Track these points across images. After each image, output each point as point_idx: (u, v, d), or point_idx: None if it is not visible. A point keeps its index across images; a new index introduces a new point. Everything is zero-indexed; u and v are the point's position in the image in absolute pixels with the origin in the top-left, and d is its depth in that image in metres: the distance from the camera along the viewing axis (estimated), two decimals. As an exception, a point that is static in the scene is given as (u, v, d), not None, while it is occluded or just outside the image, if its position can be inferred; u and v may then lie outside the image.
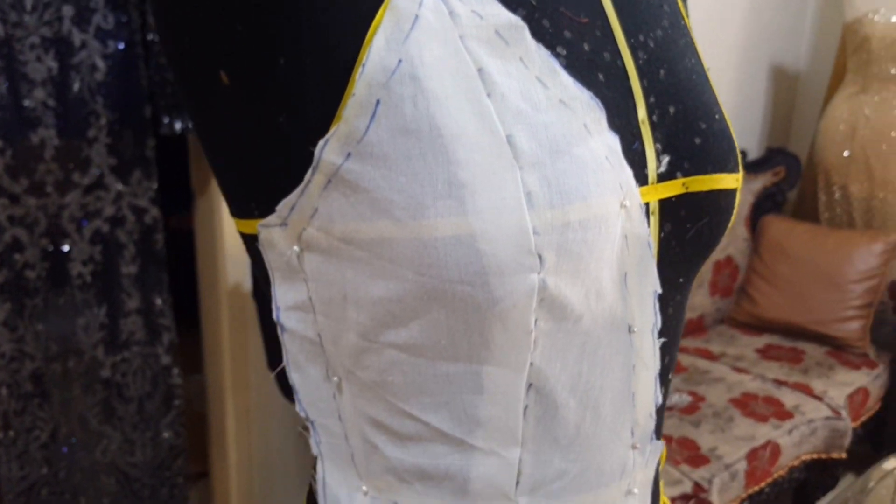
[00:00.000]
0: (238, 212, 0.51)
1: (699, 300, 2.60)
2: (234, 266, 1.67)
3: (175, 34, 0.48)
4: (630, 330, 0.51)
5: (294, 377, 0.55)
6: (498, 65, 0.43)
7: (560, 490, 0.54)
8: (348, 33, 0.43)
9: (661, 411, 0.59)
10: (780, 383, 2.29)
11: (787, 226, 2.70)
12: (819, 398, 2.23)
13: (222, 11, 0.44)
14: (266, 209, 0.48)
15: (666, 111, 0.52)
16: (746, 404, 2.16)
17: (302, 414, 0.55)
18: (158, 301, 1.60)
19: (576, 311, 0.47)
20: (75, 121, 1.41)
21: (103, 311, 1.54)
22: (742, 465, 1.94)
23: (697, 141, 0.53)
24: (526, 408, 0.50)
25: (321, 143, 0.44)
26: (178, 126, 1.45)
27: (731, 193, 0.56)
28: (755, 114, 3.01)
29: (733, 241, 2.66)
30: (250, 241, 0.52)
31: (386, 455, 0.53)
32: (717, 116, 0.56)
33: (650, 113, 0.51)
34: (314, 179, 0.45)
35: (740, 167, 0.57)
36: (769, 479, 2.06)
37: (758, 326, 2.65)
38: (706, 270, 2.57)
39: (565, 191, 0.44)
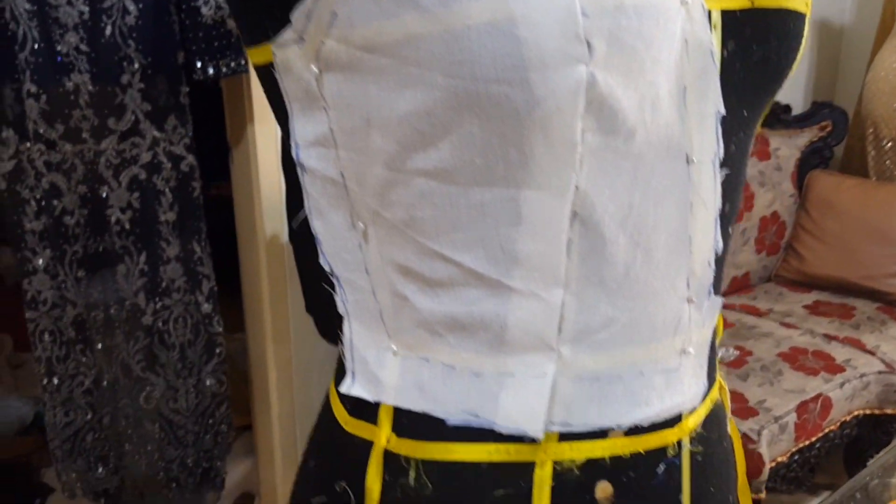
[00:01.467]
0: (251, 37, 0.49)
1: (745, 257, 2.55)
2: (271, 218, 1.67)
3: None
4: (688, 160, 0.47)
5: (317, 225, 0.52)
6: None
7: (607, 341, 0.50)
8: None
9: (720, 262, 0.54)
10: (830, 338, 2.22)
11: (834, 180, 2.62)
12: (871, 353, 2.16)
13: None
14: (280, 24, 0.45)
15: None
16: (795, 358, 2.10)
17: (326, 268, 0.53)
18: (197, 249, 1.60)
19: (628, 121, 0.43)
20: (108, 66, 1.41)
21: (143, 259, 1.54)
22: (792, 418, 1.88)
23: None
24: (570, 242, 0.46)
25: None
26: (210, 71, 1.45)
27: (801, 17, 0.52)
28: (800, 68, 2.93)
29: (779, 196, 2.59)
30: (266, 75, 0.50)
31: (416, 307, 0.50)
32: None
33: None
34: None
35: None
36: (820, 434, 2.00)
37: (806, 283, 2.58)
38: (752, 226, 2.52)
39: None
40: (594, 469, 0.51)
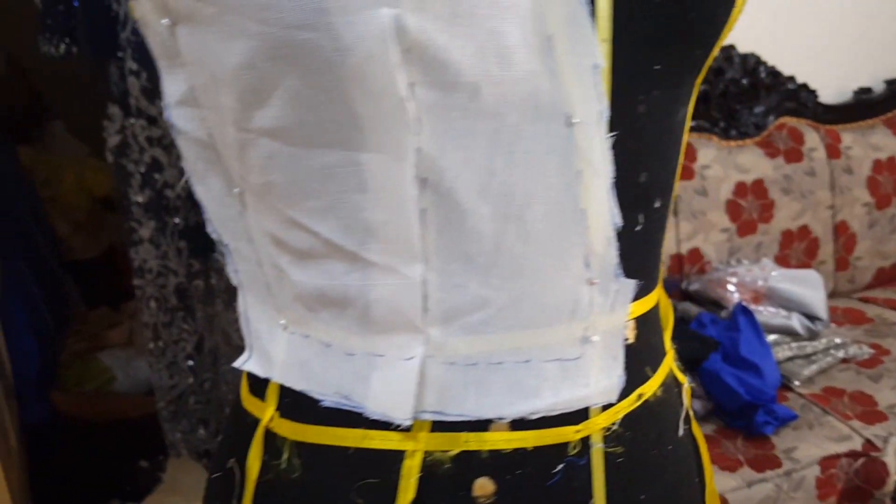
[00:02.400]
0: None
1: (894, 246, 2.33)
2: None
3: None
4: (568, 122, 0.41)
5: (198, 190, 0.50)
6: None
7: (482, 323, 0.45)
8: None
9: (650, 241, 0.48)
10: (983, 340, 2.00)
11: None
12: None
13: None
14: None
15: None
16: (940, 360, 1.91)
17: (214, 236, 0.51)
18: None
19: (464, 74, 0.38)
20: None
21: (240, 231, 1.58)
22: (926, 426, 1.72)
23: None
24: (423, 212, 0.42)
25: None
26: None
27: None
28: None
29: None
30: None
31: (291, 279, 0.48)
32: None
33: None
34: None
35: None
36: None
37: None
38: (903, 214, 2.30)
39: None
40: (469, 463, 0.47)
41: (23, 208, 2.37)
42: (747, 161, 2.18)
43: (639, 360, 0.52)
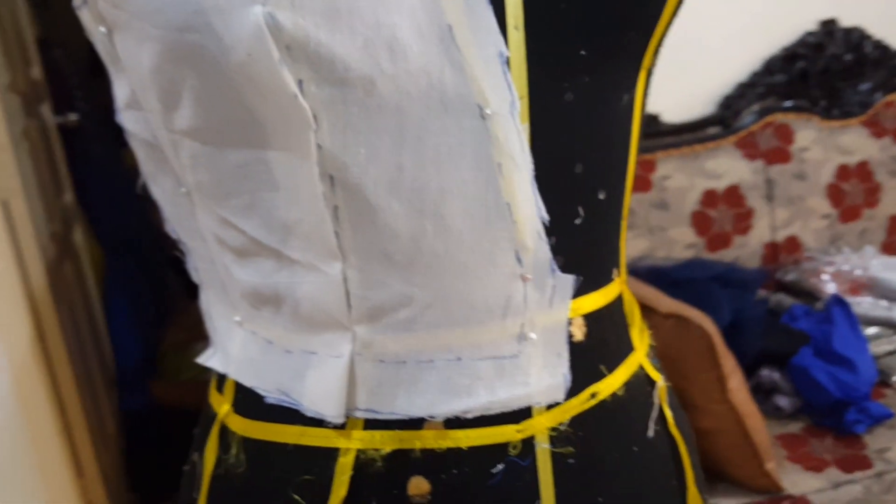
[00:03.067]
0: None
1: None
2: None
3: None
4: (482, 113, 0.39)
5: (154, 190, 0.51)
6: None
7: (409, 321, 0.44)
8: None
9: (587, 238, 0.45)
10: None
11: None
12: None
13: None
14: None
15: None
16: None
17: (173, 235, 0.52)
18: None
19: (353, 69, 0.37)
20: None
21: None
22: None
23: None
24: (336, 209, 0.41)
25: None
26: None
27: None
28: None
29: None
30: None
31: (235, 276, 0.48)
32: None
33: None
34: None
35: None
36: None
37: None
38: None
39: None
40: (403, 462, 0.46)
41: (128, 205, 2.48)
42: (851, 142, 2.04)
43: (590, 358, 0.49)
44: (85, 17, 0.44)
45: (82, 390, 1.81)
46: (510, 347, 0.45)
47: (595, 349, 0.49)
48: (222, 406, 0.52)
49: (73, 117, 2.15)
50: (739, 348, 1.66)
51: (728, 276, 1.85)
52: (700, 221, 1.92)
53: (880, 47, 2.08)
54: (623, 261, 0.52)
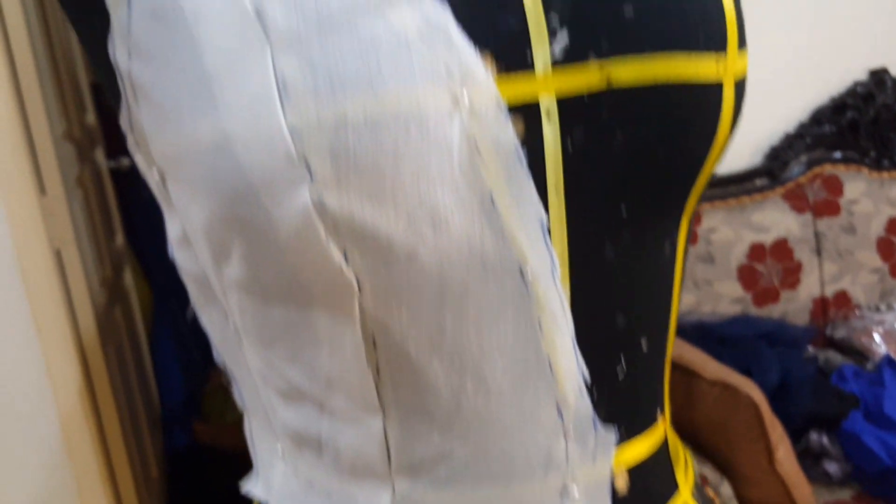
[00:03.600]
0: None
1: None
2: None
3: None
4: (523, 274, 0.39)
5: (203, 320, 0.51)
6: None
7: (449, 477, 0.44)
8: None
9: (630, 388, 0.45)
10: None
11: None
12: None
13: None
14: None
15: None
16: None
17: (219, 362, 0.52)
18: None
19: (396, 242, 0.37)
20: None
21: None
22: None
23: (628, 11, 0.39)
24: (377, 366, 0.41)
25: (109, 46, 0.40)
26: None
27: (701, 90, 0.41)
28: None
29: None
30: None
31: (280, 414, 0.48)
32: None
33: None
34: (125, 89, 0.40)
35: (730, 46, 0.41)
36: None
37: None
38: None
39: (339, 76, 0.34)
40: None
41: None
42: (903, 195, 2.01)
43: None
44: (139, 160, 0.45)
45: (127, 435, 1.83)
46: (552, 503, 0.45)
47: (639, 499, 0.48)
48: None
49: (125, 161, 2.19)
50: (787, 410, 1.63)
51: (776, 334, 1.82)
52: (747, 275, 1.89)
53: (933, 97, 2.04)
54: (667, 398, 0.51)
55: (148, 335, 2.36)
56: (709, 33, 0.41)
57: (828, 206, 1.96)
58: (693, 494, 0.53)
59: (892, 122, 2.01)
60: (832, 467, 1.59)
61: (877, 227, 1.99)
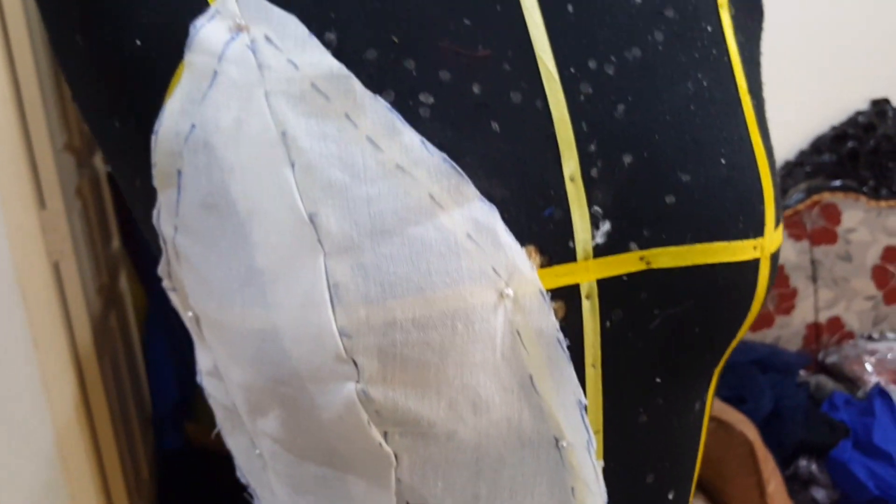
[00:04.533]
0: None
1: None
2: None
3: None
4: (557, 444, 0.40)
5: (228, 442, 0.51)
6: (310, 126, 0.35)
7: None
8: (154, 98, 0.38)
9: None
10: None
11: None
12: None
13: (78, 81, 0.42)
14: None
15: (616, 162, 0.40)
16: None
17: (242, 481, 0.52)
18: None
19: (437, 425, 0.38)
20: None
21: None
22: None
23: (670, 200, 0.40)
24: None
25: (154, 212, 0.40)
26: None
27: (740, 268, 0.42)
28: None
29: None
30: None
31: None
32: (722, 162, 0.42)
33: (586, 166, 0.40)
34: (168, 250, 0.41)
35: (768, 228, 0.42)
36: None
37: None
38: None
39: (389, 281, 0.35)
40: None
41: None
42: (898, 223, 2.02)
43: None
44: (174, 298, 0.45)
45: (120, 440, 1.84)
46: None
47: None
48: None
49: (122, 164, 2.18)
50: (778, 437, 1.65)
51: (769, 360, 1.84)
52: (742, 300, 1.90)
53: (932, 127, 2.06)
54: None
55: (141, 337, 2.35)
56: (748, 221, 0.42)
57: (825, 235, 1.97)
58: None
59: (891, 152, 2.02)
60: (820, 494, 1.61)
61: (873, 256, 2.00)
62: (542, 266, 0.38)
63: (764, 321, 1.93)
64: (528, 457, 0.40)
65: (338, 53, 0.36)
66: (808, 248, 1.96)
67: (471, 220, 0.36)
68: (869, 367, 1.82)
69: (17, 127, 1.46)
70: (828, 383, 1.87)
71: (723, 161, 0.42)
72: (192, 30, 0.36)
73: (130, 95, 0.39)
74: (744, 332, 0.45)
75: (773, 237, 0.43)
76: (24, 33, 1.51)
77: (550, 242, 0.39)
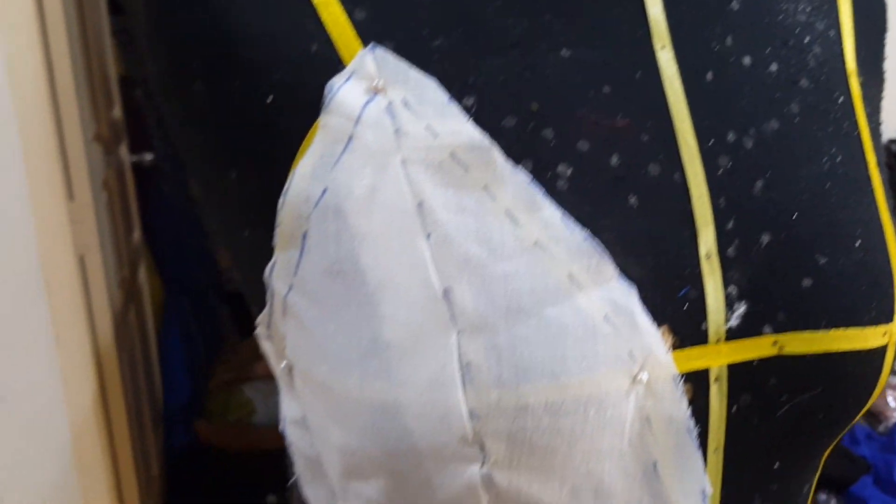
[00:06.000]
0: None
1: None
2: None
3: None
4: None
5: (307, 492, 0.50)
6: (448, 197, 0.34)
7: None
8: (283, 158, 0.37)
9: None
10: None
11: None
12: None
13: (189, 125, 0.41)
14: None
15: (754, 241, 0.39)
16: None
17: None
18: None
19: None
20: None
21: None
22: None
23: (807, 283, 0.39)
24: None
25: (268, 268, 0.39)
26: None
27: (867, 355, 0.41)
28: None
29: None
30: None
31: None
32: (857, 244, 0.40)
33: (723, 244, 0.39)
34: (274, 304, 0.40)
35: None
36: None
37: None
38: None
39: (524, 365, 0.34)
40: None
41: (193, 244, 2.50)
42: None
43: None
44: (267, 347, 0.44)
45: (134, 437, 1.83)
46: None
47: None
48: None
49: (148, 157, 2.17)
50: (798, 471, 1.64)
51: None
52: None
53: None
54: None
55: (157, 331, 2.35)
56: (879, 306, 0.41)
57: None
58: None
59: None
60: (839, 533, 1.60)
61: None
62: (674, 348, 0.37)
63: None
64: None
65: (476, 120, 0.35)
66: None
67: (609, 302, 0.35)
68: (892, 401, 1.80)
69: (50, 117, 1.45)
70: (848, 415, 1.86)
71: (857, 244, 0.41)
72: (328, 90, 0.35)
73: (253, 150, 0.38)
74: (858, 419, 0.44)
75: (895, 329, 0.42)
76: (60, 21, 1.50)
77: (683, 323, 0.37)
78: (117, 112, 2.10)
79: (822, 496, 1.65)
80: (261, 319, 0.42)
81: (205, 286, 2.60)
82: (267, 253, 0.39)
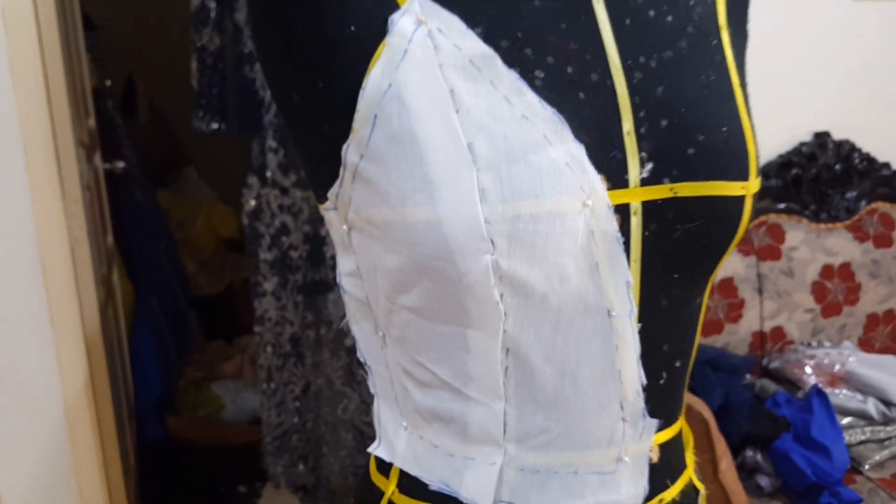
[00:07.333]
0: (316, 198, 0.65)
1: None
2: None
3: (265, 65, 0.61)
4: (609, 314, 0.58)
5: (354, 329, 0.68)
6: (469, 86, 0.53)
7: (545, 444, 0.61)
8: (361, 66, 0.54)
9: (666, 392, 0.64)
10: None
11: None
12: None
13: (286, 53, 0.58)
14: (324, 197, 0.61)
15: (656, 124, 0.58)
16: None
17: (361, 359, 0.68)
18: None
19: (537, 290, 0.55)
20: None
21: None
22: None
23: (691, 151, 0.59)
24: (507, 368, 0.59)
25: (344, 147, 0.56)
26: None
27: (732, 200, 0.60)
28: None
29: None
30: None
31: (413, 397, 0.64)
32: (724, 128, 0.60)
33: (638, 125, 0.58)
34: (345, 175, 0.57)
35: (751, 176, 0.61)
36: None
37: None
38: None
39: (517, 189, 0.52)
40: None
41: (161, 247, 2.62)
42: (836, 244, 2.24)
43: (661, 474, 0.66)
44: (331, 215, 0.62)
45: (118, 420, 1.93)
46: (610, 466, 0.63)
47: (664, 468, 0.66)
48: (388, 486, 0.68)
49: (120, 164, 2.30)
50: (727, 430, 1.83)
51: (719, 361, 2.03)
52: (696, 308, 2.09)
53: (867, 159, 2.29)
54: (684, 401, 0.69)
55: (127, 332, 2.45)
56: (739, 169, 0.61)
57: (770, 252, 2.18)
58: (694, 470, 0.71)
59: (831, 180, 2.25)
60: (764, 481, 1.79)
61: (812, 273, 2.22)
62: (608, 189, 0.56)
63: (714, 328, 2.12)
64: (588, 320, 0.58)
65: (483, 41, 0.54)
66: (756, 263, 2.16)
67: (569, 154, 0.54)
68: (808, 370, 2.01)
69: (46, 118, 1.58)
70: (771, 385, 2.06)
71: (724, 129, 0.60)
72: (390, 22, 0.54)
73: (340, 65, 0.56)
74: (732, 250, 0.63)
75: (754, 183, 0.62)
76: (54, 30, 1.63)
77: (613, 174, 0.56)
78: (92, 122, 2.22)
79: (750, 452, 1.84)
80: (331, 192, 0.60)
81: (173, 291, 2.71)
82: (336, 141, 0.57)
